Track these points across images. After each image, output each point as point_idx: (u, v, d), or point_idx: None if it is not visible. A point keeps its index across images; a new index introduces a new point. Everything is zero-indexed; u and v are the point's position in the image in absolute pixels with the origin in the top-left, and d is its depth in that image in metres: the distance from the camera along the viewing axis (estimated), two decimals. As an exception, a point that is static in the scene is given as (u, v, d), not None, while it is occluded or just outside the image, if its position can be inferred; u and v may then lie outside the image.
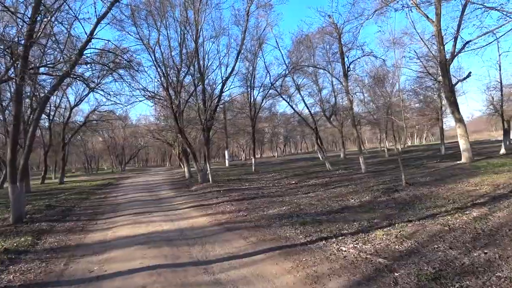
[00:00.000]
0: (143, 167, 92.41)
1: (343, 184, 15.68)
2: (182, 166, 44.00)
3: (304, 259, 5.83)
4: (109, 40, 14.63)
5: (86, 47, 13.86)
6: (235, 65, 22.56)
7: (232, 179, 23.16)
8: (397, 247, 6.05)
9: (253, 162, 32.38)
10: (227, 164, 46.17)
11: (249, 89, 31.07)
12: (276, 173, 26.67)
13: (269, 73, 26.75)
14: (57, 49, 14.94)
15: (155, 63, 20.43)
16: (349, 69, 21.42)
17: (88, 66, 16.33)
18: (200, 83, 20.67)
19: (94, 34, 13.99)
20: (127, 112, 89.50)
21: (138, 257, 6.56)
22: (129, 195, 18.60)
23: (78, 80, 17.18)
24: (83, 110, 77.10)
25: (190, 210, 11.85)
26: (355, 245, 6.36)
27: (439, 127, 36.52)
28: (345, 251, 6.12)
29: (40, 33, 12.31)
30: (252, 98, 31.65)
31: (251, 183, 20.14)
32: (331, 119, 40.90)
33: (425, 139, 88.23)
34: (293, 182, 18.88)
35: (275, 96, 35.46)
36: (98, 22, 14.06)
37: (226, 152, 49.12)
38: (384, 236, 6.70)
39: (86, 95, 37.50)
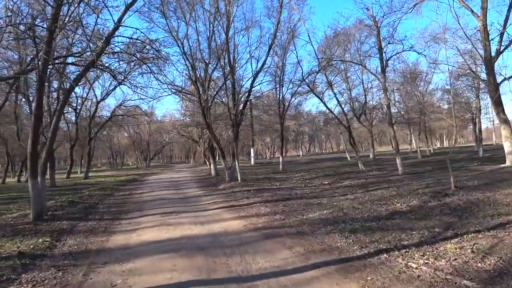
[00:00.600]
0: (167, 163, 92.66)
1: (382, 186, 14.47)
2: (208, 164, 43.33)
3: (369, 278, 4.75)
4: (137, 29, 13.94)
5: (114, 35, 13.13)
6: (266, 59, 21.49)
7: (260, 178, 22.21)
8: (479, 265, 4.93)
9: (280, 160, 31.37)
10: (252, 162, 45.22)
11: (277, 86, 30.04)
12: (305, 172, 25.57)
13: (302, 68, 25.56)
14: (84, 38, 14.31)
15: (183, 55, 19.65)
16: (387, 64, 20.08)
17: (115, 57, 15.59)
18: (230, 76, 19.73)
19: (122, 21, 13.26)
20: (153, 107, 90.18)
21: (167, 269, 5.58)
22: (154, 193, 17.87)
23: (105, 71, 16.50)
24: (109, 105, 77.15)
25: (221, 212, 10.87)
26: (426, 261, 5.24)
27: (477, 128, 34.49)
28: (416, 268, 5.01)
29: (66, 18, 11.60)
30: (281, 94, 30.62)
31: (282, 182, 19.09)
32: (361, 118, 39.54)
33: (455, 141, 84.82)
34: (326, 182, 17.76)
35: (304, 94, 34.24)
36: (126, 9, 13.33)
37: (251, 150, 48.13)
38: (457, 250, 5.57)
39: (113, 89, 37.34)
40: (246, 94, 20.98)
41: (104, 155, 77.27)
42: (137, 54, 14.59)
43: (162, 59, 16.26)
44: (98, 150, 70.26)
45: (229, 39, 19.33)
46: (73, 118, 38.24)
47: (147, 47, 14.43)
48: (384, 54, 19.91)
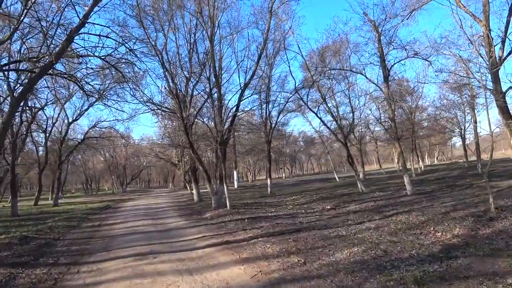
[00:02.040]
0: (145, 188, 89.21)
1: (401, 210, 12.36)
2: (188, 188, 40.53)
3: None
4: (108, 27, 11.50)
5: (78, 32, 10.72)
6: (255, 68, 19.25)
7: (250, 203, 19.78)
8: None
9: (268, 183, 29.01)
10: (235, 186, 42.68)
11: (263, 103, 27.91)
12: (296, 195, 23.28)
13: (294, 79, 23.32)
14: (41, 37, 11.87)
15: (163, 66, 17.33)
16: (389, 73, 18.21)
17: (82, 63, 13.06)
18: (215, 88, 17.46)
19: (89, 17, 10.92)
20: (130, 129, 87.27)
21: None
22: (128, 224, 14.99)
23: (69, 80, 13.90)
24: (82, 126, 73.92)
25: (214, 252, 8.28)
26: None
27: (474, 142, 32.96)
28: None
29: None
30: (267, 112, 28.50)
31: (276, 208, 16.68)
32: (349, 137, 37.82)
33: (436, 158, 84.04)
34: (329, 207, 15.45)
35: (292, 111, 32.27)
36: (95, 4, 11.02)
37: (234, 173, 45.53)
38: None
39: (86, 109, 34.40)
40: (234, 109, 18.55)
41: (78, 180, 73.24)
42: (107, 58, 12.12)
43: (137, 66, 13.97)
44: (73, 175, 67.33)
45: (213, 46, 17.12)
46: (43, 141, 35.38)
47: (120, 49, 12.06)
48: (385, 62, 18.07)
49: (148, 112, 21.91)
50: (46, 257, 8.92)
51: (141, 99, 17.17)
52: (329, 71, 23.10)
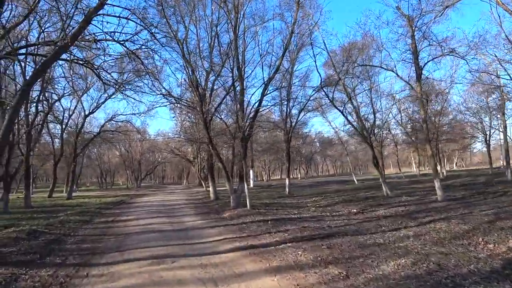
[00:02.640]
0: (159, 184, 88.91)
1: (437, 217, 11.47)
2: (204, 185, 39.81)
3: None
4: (128, 9, 10.70)
5: (97, 13, 9.95)
6: (280, 62, 18.28)
7: (269, 203, 18.92)
8: None
9: (286, 183, 28.06)
10: (251, 185, 41.76)
11: (284, 100, 26.93)
12: (316, 197, 22.35)
13: (320, 74, 22.07)
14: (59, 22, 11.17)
15: (183, 58, 16.55)
16: (421, 71, 17.11)
17: (99, 48, 12.28)
18: (237, 82, 16.58)
19: (109, -2, 10.16)
20: (146, 124, 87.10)
21: None
22: (143, 221, 14.21)
23: (85, 66, 13.15)
24: (100, 122, 74.52)
25: (239, 257, 7.36)
26: None
27: (504, 149, 31.39)
28: None
29: None
30: (288, 110, 27.52)
31: (299, 210, 15.77)
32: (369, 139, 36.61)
33: (455, 164, 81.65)
34: (355, 210, 14.49)
35: (312, 111, 31.18)
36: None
37: (251, 172, 44.60)
38: None
39: (103, 102, 33.94)
40: (256, 104, 17.57)
41: (94, 174, 73.21)
42: (127, 44, 11.34)
43: (158, 54, 13.20)
44: (88, 168, 67.31)
45: (237, 37, 16.25)
46: (59, 132, 35.07)
47: (140, 35, 11.31)
48: (418, 59, 16.96)
49: (166, 105, 21.20)
50: (54, 256, 8.13)
51: (160, 92, 16.38)
52: (355, 69, 22.06)
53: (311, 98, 26.28)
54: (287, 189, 27.64)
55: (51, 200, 28.55)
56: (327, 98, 26.25)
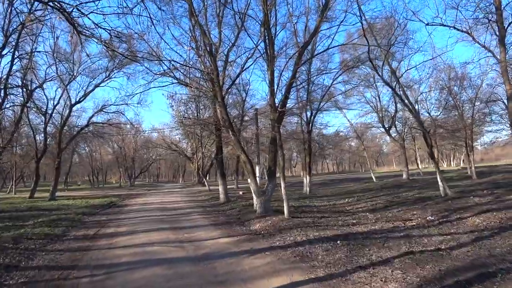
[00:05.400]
0: (154, 182, 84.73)
1: None
2: (206, 184, 35.33)
3: None
4: None
5: None
6: (319, 23, 13.64)
7: (298, 207, 14.83)
8: None
9: (306, 182, 23.85)
10: (258, 184, 37.45)
11: (303, 83, 22.36)
12: (347, 198, 18.31)
13: (367, 41, 17.28)
14: None
15: (192, 16, 12.26)
16: (506, 32, 12.92)
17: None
18: (268, 42, 12.19)
19: None
20: (139, 118, 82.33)
21: None
22: (137, 237, 9.59)
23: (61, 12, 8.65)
24: (90, 115, 70.60)
25: None
26: None
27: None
28: None
29: None
30: (308, 92, 22.95)
31: (352, 216, 11.50)
32: (390, 131, 32.61)
33: (462, 161, 77.25)
34: (431, 218, 10.25)
35: (335, 97, 26.66)
36: None
37: (257, 168, 40.21)
38: None
39: (92, 90, 29.58)
40: (290, 76, 13.02)
41: (85, 172, 68.85)
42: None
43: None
44: (79, 166, 63.23)
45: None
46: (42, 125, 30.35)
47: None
48: (502, 17, 12.78)
49: (168, 84, 16.80)
50: None
51: (157, 57, 12.02)
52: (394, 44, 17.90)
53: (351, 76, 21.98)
54: (307, 188, 23.41)
55: (31, 202, 23.95)
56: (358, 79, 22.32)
